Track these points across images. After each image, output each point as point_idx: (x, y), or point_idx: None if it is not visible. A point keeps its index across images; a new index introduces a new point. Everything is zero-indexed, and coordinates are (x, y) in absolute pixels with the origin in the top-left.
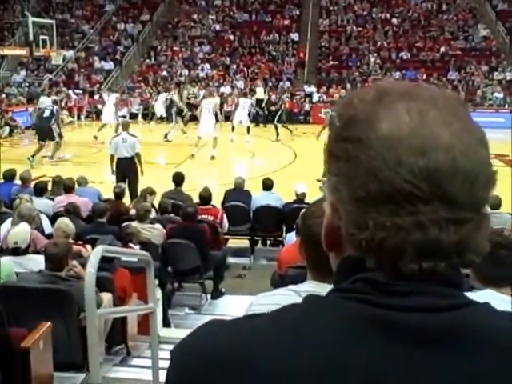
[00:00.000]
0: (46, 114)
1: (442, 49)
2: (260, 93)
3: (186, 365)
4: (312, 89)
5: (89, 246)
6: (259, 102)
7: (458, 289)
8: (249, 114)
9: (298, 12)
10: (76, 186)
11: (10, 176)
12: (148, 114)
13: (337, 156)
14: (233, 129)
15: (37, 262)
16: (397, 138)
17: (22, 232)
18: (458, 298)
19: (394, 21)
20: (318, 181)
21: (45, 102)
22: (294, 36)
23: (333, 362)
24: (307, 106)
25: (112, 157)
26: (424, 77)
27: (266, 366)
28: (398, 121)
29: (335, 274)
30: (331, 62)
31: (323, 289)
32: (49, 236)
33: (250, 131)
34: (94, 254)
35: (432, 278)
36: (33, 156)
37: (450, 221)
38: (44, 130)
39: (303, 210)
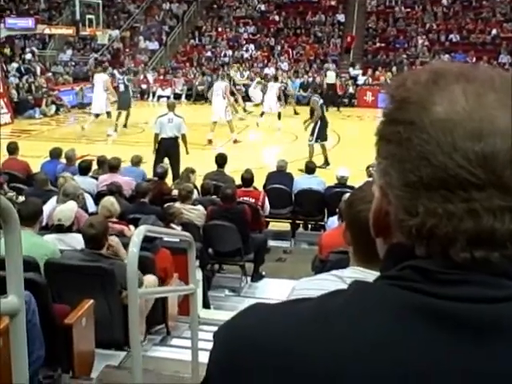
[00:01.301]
0: (121, 88)
1: (494, 31)
2: (331, 77)
3: (231, 348)
4: (357, 71)
5: (131, 226)
6: (329, 86)
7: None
8: (279, 98)
9: None
10: (125, 164)
11: (56, 154)
12: (192, 95)
13: (388, 139)
14: (262, 114)
15: (80, 241)
16: (452, 122)
17: (66, 210)
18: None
19: (444, 2)
20: (368, 168)
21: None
22: (341, 17)
23: (381, 350)
24: (351, 89)
25: (156, 136)
26: (474, 60)
27: (313, 353)
28: (453, 104)
29: (383, 261)
30: (378, 44)
31: (368, 275)
32: (92, 215)
33: (280, 117)
34: (137, 234)
35: (484, 268)
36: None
37: (506, 209)
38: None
39: (348, 195)
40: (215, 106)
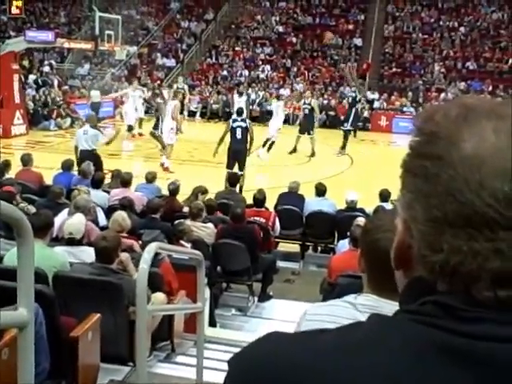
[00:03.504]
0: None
1: (511, 60)
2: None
3: (246, 378)
4: (375, 95)
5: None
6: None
7: None
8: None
9: (362, 17)
10: (140, 181)
11: (67, 166)
12: (206, 113)
13: (414, 172)
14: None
15: (89, 254)
16: (481, 159)
17: (77, 223)
18: None
19: (462, 29)
20: (392, 202)
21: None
22: (358, 41)
23: None
24: (366, 113)
25: (75, 148)
26: (490, 88)
27: None
28: (483, 141)
29: (402, 294)
30: (394, 69)
31: (381, 303)
32: (103, 228)
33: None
34: (148, 251)
35: (505, 306)
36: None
37: None
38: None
39: (364, 222)
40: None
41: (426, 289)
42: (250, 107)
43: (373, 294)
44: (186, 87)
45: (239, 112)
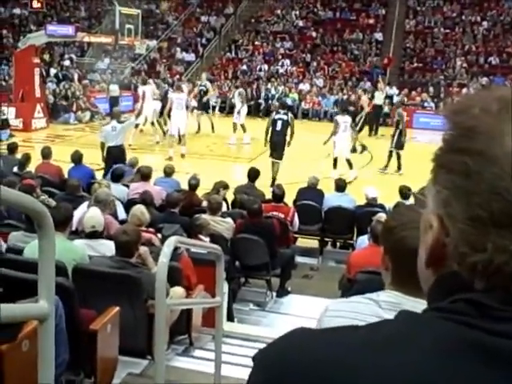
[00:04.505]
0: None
1: None
2: (379, 98)
3: (272, 374)
4: (394, 91)
5: (160, 235)
6: (376, 107)
7: None
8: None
9: (383, 11)
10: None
11: (77, 159)
12: (225, 108)
13: (450, 168)
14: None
15: (109, 247)
16: None
17: (97, 216)
18: None
19: (485, 24)
20: (414, 194)
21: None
22: (378, 36)
23: None
24: (386, 108)
25: (102, 144)
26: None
27: None
28: None
29: (431, 291)
30: (415, 64)
31: (404, 300)
32: (122, 222)
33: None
34: (168, 245)
35: None
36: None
37: None
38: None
39: (386, 219)
40: (175, 118)
41: (456, 286)
42: (270, 102)
43: (396, 291)
44: (208, 84)
45: (283, 105)
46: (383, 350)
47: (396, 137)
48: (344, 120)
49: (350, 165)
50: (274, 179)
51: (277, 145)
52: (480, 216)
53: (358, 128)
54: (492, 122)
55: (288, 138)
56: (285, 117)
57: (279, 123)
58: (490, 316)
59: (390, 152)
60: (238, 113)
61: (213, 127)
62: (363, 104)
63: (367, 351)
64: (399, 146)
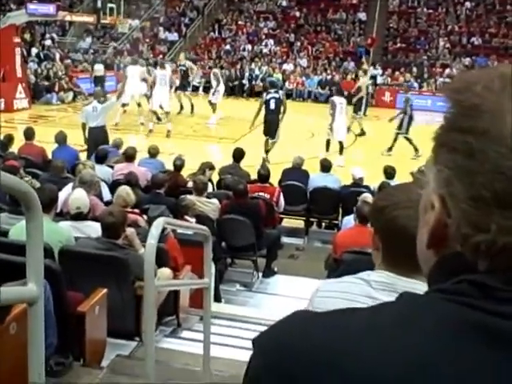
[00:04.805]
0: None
1: None
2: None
3: (274, 357)
4: (378, 71)
5: (145, 216)
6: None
7: None
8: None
9: None
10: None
11: (61, 139)
12: (209, 88)
13: (452, 147)
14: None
15: (94, 229)
16: None
17: (82, 197)
18: None
19: (467, 4)
20: (412, 173)
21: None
22: (362, 15)
23: (432, 368)
24: (370, 88)
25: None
26: (495, 64)
27: (356, 369)
28: None
29: (432, 272)
30: (398, 44)
31: (396, 280)
32: (108, 203)
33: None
34: (155, 226)
35: None
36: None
37: None
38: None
39: (376, 199)
40: (157, 94)
41: (459, 267)
42: (253, 82)
43: (388, 271)
44: (188, 63)
45: (273, 84)
46: (387, 333)
47: (406, 122)
48: (340, 101)
49: (342, 149)
50: (267, 151)
51: (271, 123)
52: (483, 196)
53: (361, 112)
54: (496, 99)
55: (281, 115)
56: (277, 95)
57: (272, 102)
58: (492, 297)
59: (397, 135)
60: (214, 93)
61: (192, 108)
62: (362, 86)
63: (370, 335)
64: (406, 130)
